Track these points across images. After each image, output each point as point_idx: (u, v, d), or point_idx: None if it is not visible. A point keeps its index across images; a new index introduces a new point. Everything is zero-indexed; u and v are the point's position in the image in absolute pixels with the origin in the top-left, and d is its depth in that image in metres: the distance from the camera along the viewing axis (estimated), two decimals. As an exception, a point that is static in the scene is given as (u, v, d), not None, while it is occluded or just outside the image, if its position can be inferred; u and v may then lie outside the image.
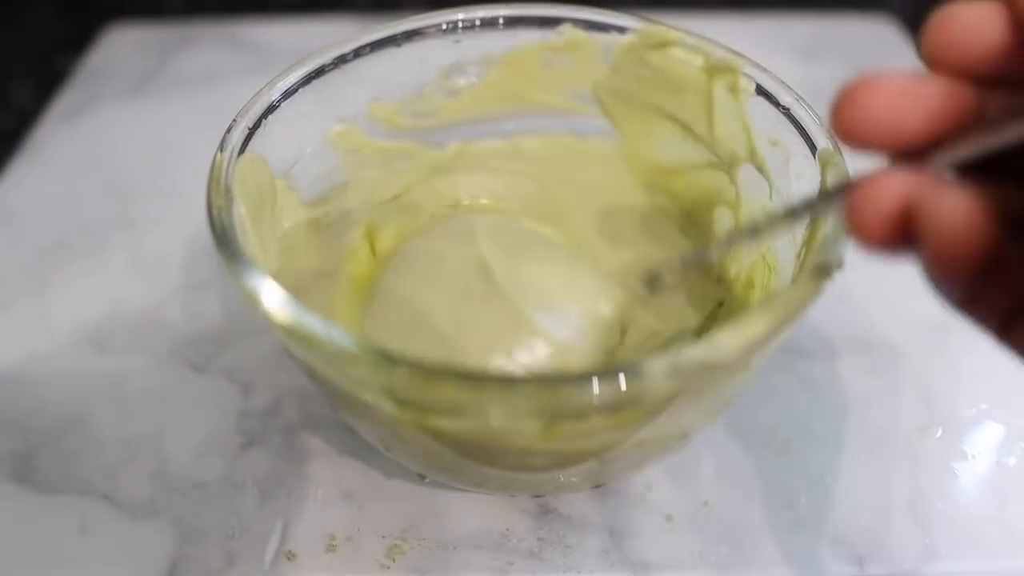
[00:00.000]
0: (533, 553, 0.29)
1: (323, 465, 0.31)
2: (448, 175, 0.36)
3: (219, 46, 0.55)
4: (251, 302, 0.22)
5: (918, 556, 0.28)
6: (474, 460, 0.25)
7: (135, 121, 0.49)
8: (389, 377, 0.20)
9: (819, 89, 0.24)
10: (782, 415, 0.33)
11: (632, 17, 0.32)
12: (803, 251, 0.25)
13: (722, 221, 0.33)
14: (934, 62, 0.16)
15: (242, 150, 0.27)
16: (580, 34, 0.33)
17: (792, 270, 0.26)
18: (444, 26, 0.32)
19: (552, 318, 0.28)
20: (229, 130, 0.27)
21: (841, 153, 0.25)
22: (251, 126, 0.27)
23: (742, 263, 0.31)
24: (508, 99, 0.35)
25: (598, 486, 0.30)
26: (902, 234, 0.16)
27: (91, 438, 0.32)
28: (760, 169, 0.30)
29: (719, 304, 0.31)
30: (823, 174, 0.25)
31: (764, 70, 0.29)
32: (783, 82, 0.28)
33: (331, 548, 0.28)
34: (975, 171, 0.16)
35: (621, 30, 0.32)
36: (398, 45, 0.32)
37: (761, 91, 0.29)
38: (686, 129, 0.33)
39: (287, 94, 0.29)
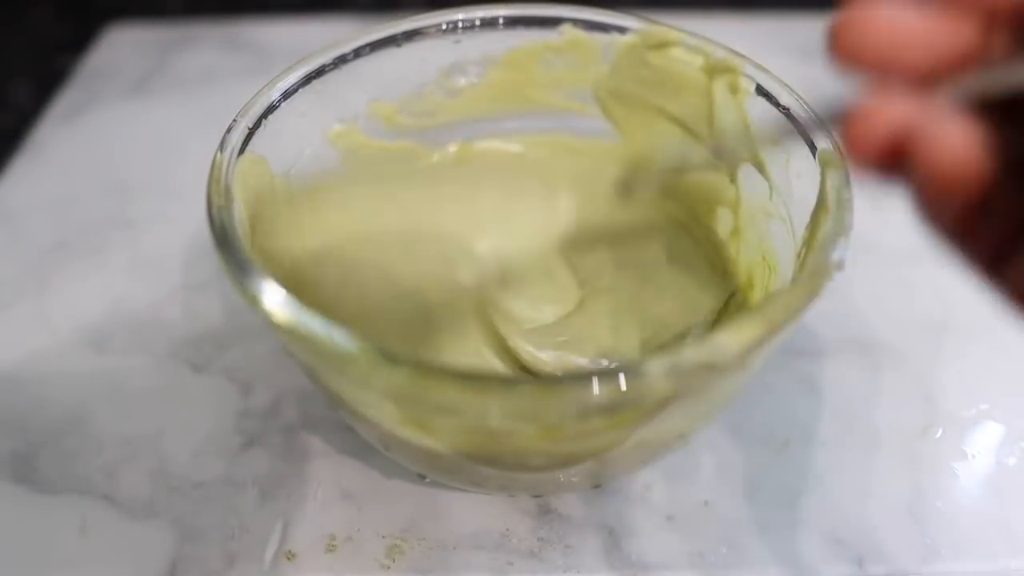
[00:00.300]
0: (533, 553, 0.29)
1: (323, 465, 0.31)
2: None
3: (219, 46, 0.55)
4: (251, 302, 0.22)
5: (918, 556, 0.28)
6: (474, 460, 0.25)
7: (135, 121, 0.49)
8: (389, 377, 0.20)
9: (819, 89, 0.24)
10: (782, 415, 0.33)
11: (632, 17, 0.32)
12: (803, 251, 0.25)
13: (723, 221, 0.33)
14: None
15: (242, 150, 0.27)
16: (580, 34, 0.33)
17: (792, 270, 0.26)
18: (444, 26, 0.32)
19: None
20: (229, 130, 0.27)
21: (842, 153, 0.25)
22: (251, 126, 0.27)
23: (743, 259, 0.31)
24: (508, 99, 0.35)
25: (598, 486, 0.30)
26: (897, 159, 0.16)
27: (91, 438, 0.32)
28: (760, 169, 0.30)
29: (731, 295, 0.31)
30: (823, 174, 0.25)
31: (764, 70, 0.29)
32: (783, 82, 0.28)
33: (331, 548, 0.28)
34: (980, 113, 0.16)
35: (621, 30, 0.32)
36: (398, 45, 0.32)
37: (761, 91, 0.29)
38: (686, 129, 0.33)
39: (287, 94, 0.29)
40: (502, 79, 0.34)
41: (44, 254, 0.40)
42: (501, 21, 0.33)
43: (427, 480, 0.30)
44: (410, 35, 0.32)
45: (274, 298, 0.21)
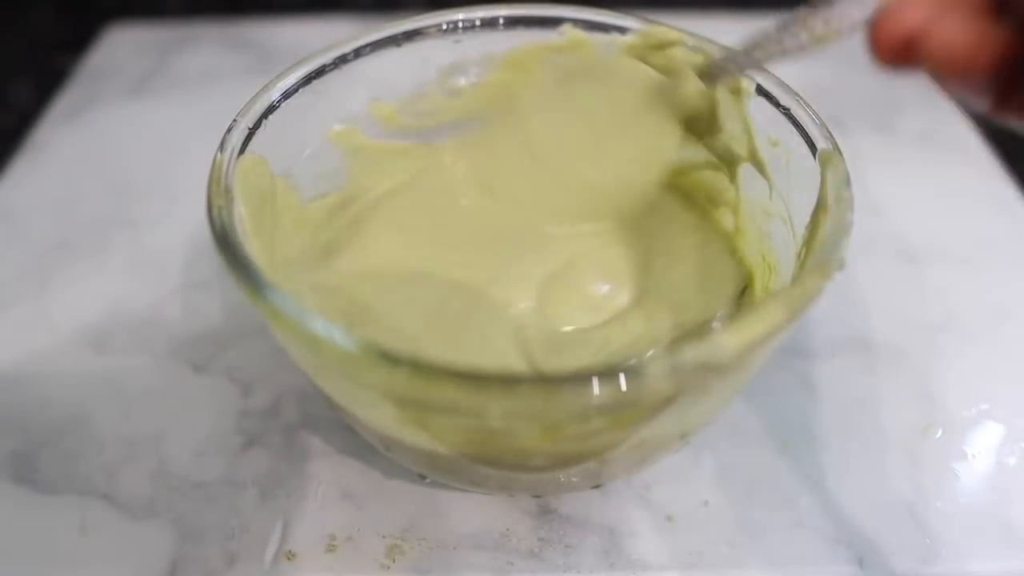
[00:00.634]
0: (533, 553, 0.29)
1: (323, 465, 0.31)
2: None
3: (219, 46, 0.55)
4: (251, 302, 0.22)
5: (918, 556, 0.28)
6: (474, 460, 0.25)
7: (135, 121, 0.49)
8: (389, 377, 0.20)
9: (819, 89, 0.24)
10: (782, 415, 0.33)
11: (632, 17, 0.32)
12: (803, 251, 0.25)
13: (724, 220, 0.33)
14: None
15: (242, 150, 0.27)
16: (580, 34, 0.33)
17: (792, 270, 0.26)
18: (444, 26, 0.32)
19: None
20: (229, 130, 0.27)
21: (841, 154, 0.25)
22: (251, 126, 0.27)
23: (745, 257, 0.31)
24: (508, 99, 0.35)
25: (598, 486, 0.30)
26: (915, 55, 0.18)
27: (91, 438, 0.32)
28: (760, 169, 0.30)
29: (745, 287, 0.31)
30: (823, 174, 0.25)
31: (764, 70, 0.29)
32: (783, 82, 0.28)
33: (331, 548, 0.28)
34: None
35: (621, 30, 0.32)
36: (398, 45, 0.32)
37: (761, 91, 0.29)
38: (686, 129, 0.33)
39: (287, 94, 0.29)
40: (502, 79, 0.34)
41: (45, 254, 0.40)
42: (501, 21, 0.33)
43: (427, 480, 0.30)
44: (410, 35, 0.32)
45: (274, 298, 0.21)
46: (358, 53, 0.31)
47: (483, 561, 0.28)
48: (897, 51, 0.18)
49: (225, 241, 0.23)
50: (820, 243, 0.23)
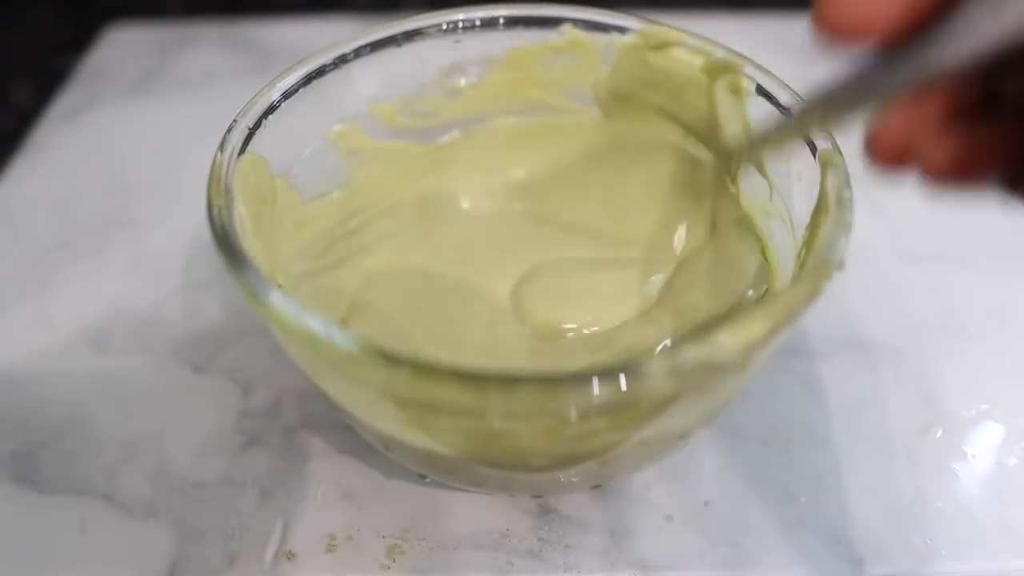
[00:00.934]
0: (533, 553, 0.29)
1: (323, 465, 0.31)
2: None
3: (219, 46, 0.55)
4: (251, 302, 0.22)
5: (918, 556, 0.28)
6: (474, 460, 0.25)
7: (135, 121, 0.49)
8: (389, 377, 0.20)
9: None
10: (782, 415, 0.33)
11: (633, 17, 0.32)
12: (803, 251, 0.25)
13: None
14: None
15: (242, 150, 0.27)
16: (580, 34, 0.33)
17: (792, 270, 0.26)
18: (444, 26, 0.32)
19: None
20: (229, 130, 0.27)
21: (841, 154, 0.25)
22: (251, 126, 0.27)
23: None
24: (508, 99, 0.35)
25: (598, 486, 0.30)
26: (908, 166, 0.18)
27: (91, 438, 0.32)
28: (760, 169, 0.30)
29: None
30: (823, 174, 0.25)
31: (764, 70, 0.29)
32: (783, 82, 0.28)
33: (331, 548, 0.28)
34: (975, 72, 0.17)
35: (622, 30, 0.32)
36: (398, 45, 0.32)
37: (761, 91, 0.29)
38: (686, 129, 0.33)
39: (287, 94, 0.29)
40: (502, 79, 0.34)
41: (45, 254, 0.40)
42: (501, 21, 0.33)
43: (427, 480, 0.30)
44: (410, 35, 0.32)
45: (274, 298, 0.21)
46: (358, 53, 0.31)
47: (483, 561, 0.28)
48: (892, 163, 0.18)
49: (225, 241, 0.23)
50: (820, 243, 0.23)
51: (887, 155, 0.18)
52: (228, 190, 0.25)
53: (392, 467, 0.30)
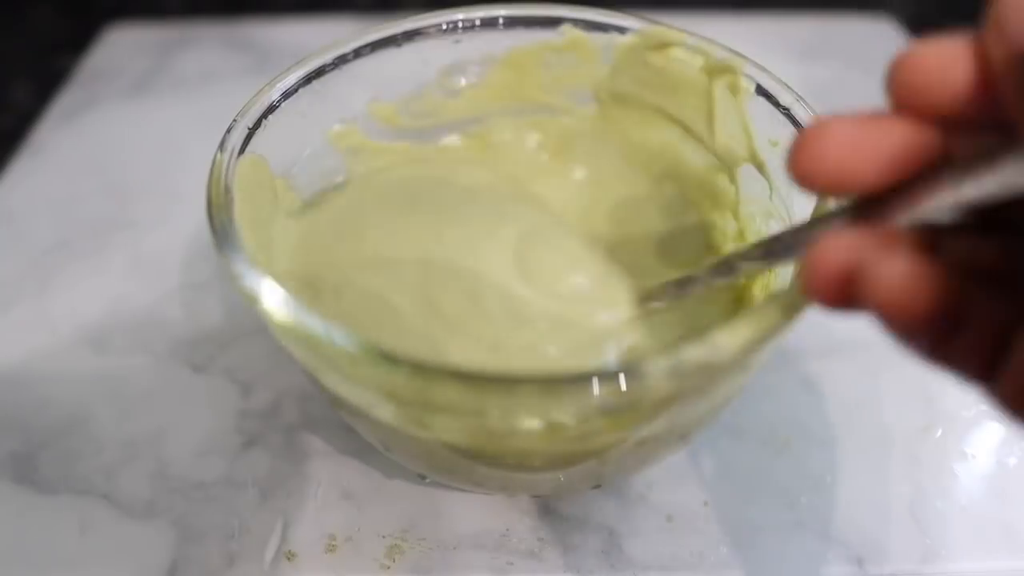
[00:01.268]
0: (533, 553, 0.29)
1: (323, 465, 0.31)
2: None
3: (219, 46, 0.55)
4: (251, 302, 0.22)
5: (918, 556, 0.28)
6: (474, 460, 0.25)
7: (135, 121, 0.49)
8: (389, 377, 0.20)
9: (819, 89, 0.24)
10: (782, 415, 0.33)
11: (632, 17, 0.32)
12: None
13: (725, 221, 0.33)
14: (899, 103, 0.16)
15: (242, 150, 0.27)
16: (580, 34, 0.33)
17: (792, 270, 0.26)
18: (444, 26, 0.32)
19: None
20: (229, 130, 0.27)
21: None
22: (251, 126, 0.27)
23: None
24: (508, 99, 0.35)
25: (598, 486, 0.30)
26: (852, 296, 0.16)
27: (91, 438, 0.32)
28: (760, 169, 0.30)
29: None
30: None
31: (764, 70, 0.29)
32: (783, 82, 0.28)
33: (331, 548, 0.28)
34: (942, 230, 0.16)
35: (621, 30, 0.32)
36: (398, 45, 0.32)
37: (761, 91, 0.29)
38: (686, 129, 0.33)
39: (287, 94, 0.29)
40: (502, 79, 0.34)
41: (44, 254, 0.40)
42: (501, 21, 0.33)
43: (427, 480, 0.30)
44: (410, 35, 0.32)
45: (274, 298, 0.21)
46: (358, 53, 0.31)
47: (483, 561, 0.28)
48: (835, 290, 0.16)
49: (225, 241, 0.23)
50: (820, 243, 0.23)
51: (828, 284, 0.16)
52: (228, 190, 0.25)
53: (392, 467, 0.30)
